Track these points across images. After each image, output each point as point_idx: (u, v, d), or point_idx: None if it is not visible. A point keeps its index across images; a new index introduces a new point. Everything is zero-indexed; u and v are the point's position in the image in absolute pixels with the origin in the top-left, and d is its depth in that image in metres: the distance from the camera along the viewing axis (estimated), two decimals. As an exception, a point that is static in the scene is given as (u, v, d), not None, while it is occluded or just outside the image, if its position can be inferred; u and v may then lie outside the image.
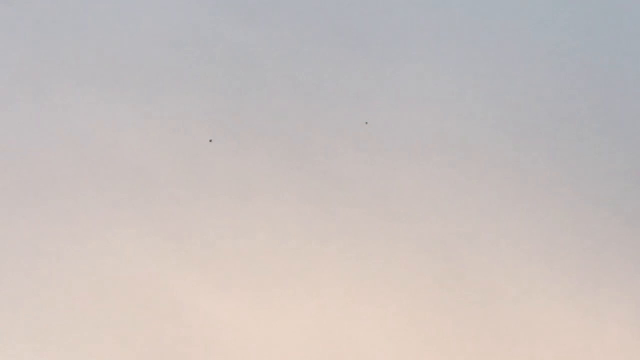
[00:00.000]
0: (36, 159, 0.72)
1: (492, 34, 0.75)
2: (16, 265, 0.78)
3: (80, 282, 0.79)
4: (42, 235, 0.75)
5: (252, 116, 0.74)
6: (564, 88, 0.71)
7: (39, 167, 0.74)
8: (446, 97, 0.63)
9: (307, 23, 0.69)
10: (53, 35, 0.72)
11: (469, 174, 0.70)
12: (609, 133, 0.62)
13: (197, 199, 0.76)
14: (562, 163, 0.69)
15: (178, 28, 0.68)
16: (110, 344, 0.88)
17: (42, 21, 0.70)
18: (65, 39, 0.71)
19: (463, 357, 0.78)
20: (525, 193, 0.69)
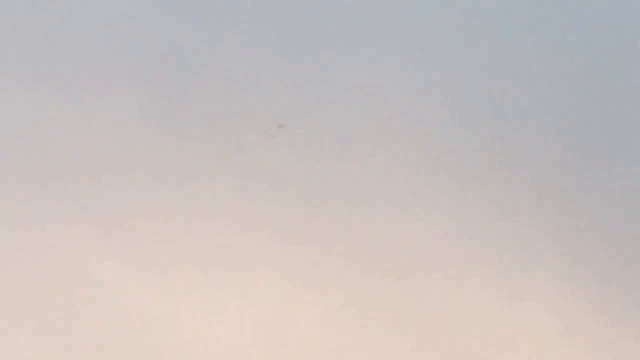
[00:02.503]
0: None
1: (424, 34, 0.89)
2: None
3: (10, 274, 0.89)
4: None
5: (189, 112, 0.87)
6: (481, 90, 0.84)
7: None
8: (372, 92, 0.72)
9: (250, 23, 0.81)
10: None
11: (398, 170, 0.75)
12: (530, 129, 0.72)
13: (137, 194, 0.79)
14: (486, 159, 0.73)
15: (118, 23, 0.74)
16: (38, 334, 0.98)
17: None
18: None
19: (397, 346, 0.94)
20: (453, 189, 0.77)
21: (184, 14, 0.58)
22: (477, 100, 0.64)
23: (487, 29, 0.61)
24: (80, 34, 0.61)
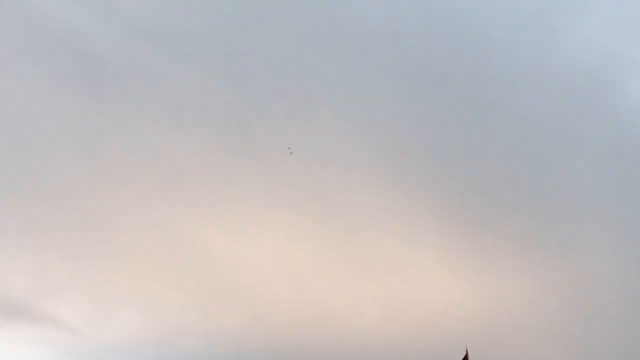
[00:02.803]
0: None
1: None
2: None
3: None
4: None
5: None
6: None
7: None
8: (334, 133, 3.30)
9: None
10: None
11: (355, 174, 2.84)
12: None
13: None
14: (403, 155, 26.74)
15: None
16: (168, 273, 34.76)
17: None
18: None
19: (347, 266, 36.21)
20: (384, 180, 2.61)
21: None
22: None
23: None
24: None
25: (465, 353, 33.29)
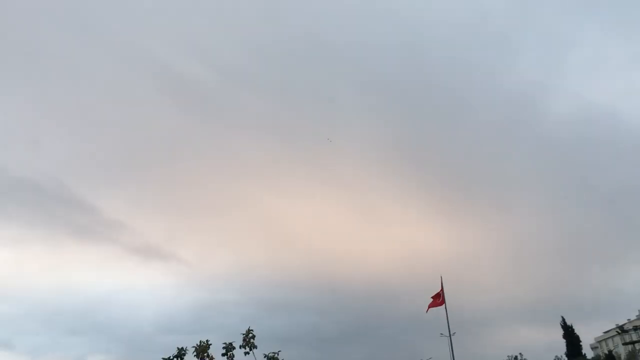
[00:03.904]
0: None
1: None
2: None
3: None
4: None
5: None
6: None
7: None
8: None
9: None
10: None
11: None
12: None
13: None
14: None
15: None
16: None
17: None
18: None
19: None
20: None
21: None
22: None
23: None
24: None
25: (440, 279, 40.46)
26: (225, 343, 5.24)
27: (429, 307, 42.40)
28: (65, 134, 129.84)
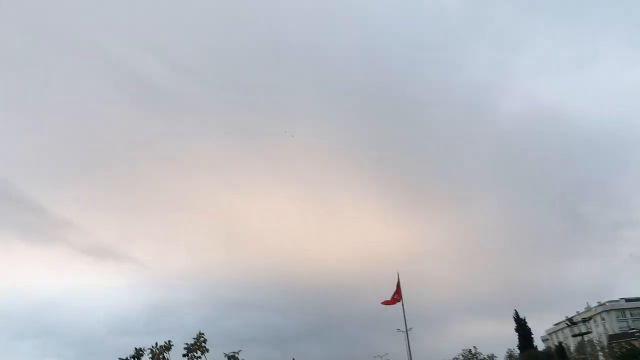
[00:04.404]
0: None
1: None
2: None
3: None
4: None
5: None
6: None
7: None
8: None
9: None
10: None
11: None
12: None
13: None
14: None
15: None
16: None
17: None
18: None
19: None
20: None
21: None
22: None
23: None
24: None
25: (397, 276, 40.66)
26: (186, 344, 5.33)
27: (385, 303, 42.89)
28: (13, 132, 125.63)
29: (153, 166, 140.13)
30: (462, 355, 61.08)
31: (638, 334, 67.70)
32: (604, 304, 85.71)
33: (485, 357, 60.59)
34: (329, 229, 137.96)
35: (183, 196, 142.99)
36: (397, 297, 41.20)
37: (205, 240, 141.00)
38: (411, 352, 51.83)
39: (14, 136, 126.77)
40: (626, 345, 58.44)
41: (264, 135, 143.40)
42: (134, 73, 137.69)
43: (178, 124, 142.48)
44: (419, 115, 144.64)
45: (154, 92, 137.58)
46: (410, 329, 50.68)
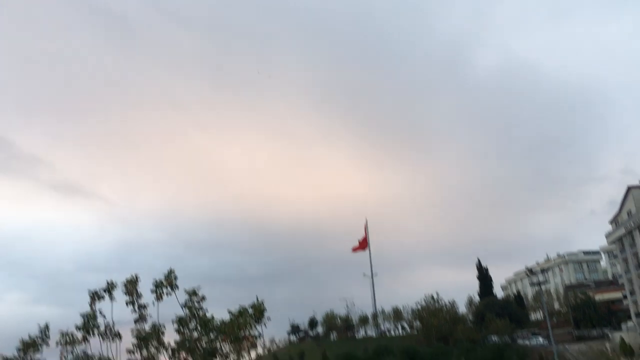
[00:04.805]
0: None
1: None
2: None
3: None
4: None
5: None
6: None
7: None
8: None
9: None
10: None
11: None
12: None
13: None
14: None
15: None
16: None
17: None
18: None
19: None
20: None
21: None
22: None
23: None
24: None
25: (365, 222, 41.81)
26: (155, 280, 5.21)
27: (354, 250, 43.48)
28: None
29: (125, 103, 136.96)
30: (424, 301, 62.63)
31: (593, 285, 70.42)
32: (562, 255, 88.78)
33: (447, 302, 62.33)
34: (300, 173, 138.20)
35: (154, 134, 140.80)
36: (364, 243, 42.04)
37: (176, 181, 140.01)
38: (375, 296, 52.08)
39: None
40: (581, 296, 60.72)
41: (238, 75, 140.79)
42: (109, 11, 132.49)
43: (151, 62, 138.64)
44: (396, 64, 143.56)
45: (128, 29, 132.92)
46: (376, 274, 50.74)
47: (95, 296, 43.87)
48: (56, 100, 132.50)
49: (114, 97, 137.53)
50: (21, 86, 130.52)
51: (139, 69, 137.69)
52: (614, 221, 55.32)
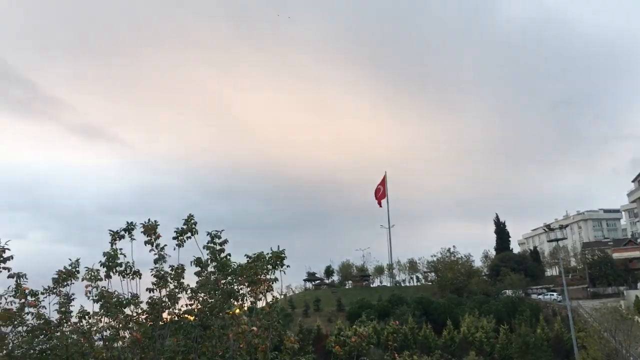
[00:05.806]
0: None
1: None
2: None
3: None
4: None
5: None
6: None
7: None
8: None
9: None
10: None
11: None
12: None
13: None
14: None
15: None
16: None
17: None
18: None
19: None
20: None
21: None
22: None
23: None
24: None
25: (384, 174, 40.81)
26: (177, 228, 5.21)
27: (378, 201, 43.13)
28: (5, 9, 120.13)
29: (146, 47, 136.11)
30: (441, 253, 63.05)
31: (611, 242, 69.89)
32: (582, 213, 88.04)
33: (463, 255, 62.69)
34: (319, 122, 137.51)
35: (175, 81, 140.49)
36: (382, 195, 41.83)
37: (196, 128, 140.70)
38: (392, 247, 52.21)
39: (4, 12, 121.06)
40: (599, 253, 60.40)
41: (258, 21, 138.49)
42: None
43: (171, 4, 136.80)
44: (419, 15, 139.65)
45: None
46: (393, 225, 50.66)
47: (115, 235, 45.41)
48: (78, 43, 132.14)
49: (135, 40, 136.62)
50: (40, 26, 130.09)
51: (159, 12, 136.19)
52: (637, 180, 54.39)
